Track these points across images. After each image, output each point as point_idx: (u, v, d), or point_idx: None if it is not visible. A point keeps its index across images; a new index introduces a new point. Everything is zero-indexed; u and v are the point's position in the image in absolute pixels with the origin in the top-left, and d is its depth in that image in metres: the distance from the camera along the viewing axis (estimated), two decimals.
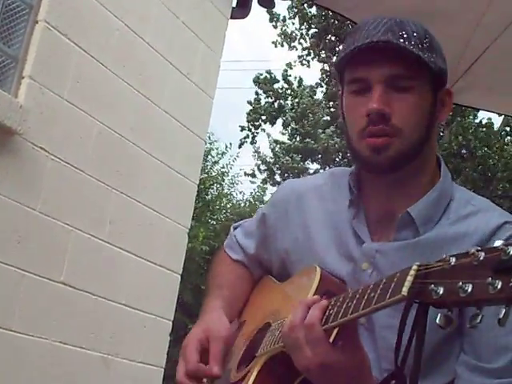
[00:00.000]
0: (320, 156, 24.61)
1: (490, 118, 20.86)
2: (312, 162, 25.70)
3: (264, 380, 1.72)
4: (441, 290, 1.23)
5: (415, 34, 1.74)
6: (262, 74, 26.26)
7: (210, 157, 25.25)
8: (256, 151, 26.46)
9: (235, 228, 2.26)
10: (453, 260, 1.24)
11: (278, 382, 1.72)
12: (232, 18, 6.02)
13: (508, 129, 21.50)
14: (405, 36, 1.72)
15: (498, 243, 1.17)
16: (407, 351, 1.35)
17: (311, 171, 25.30)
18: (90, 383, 4.71)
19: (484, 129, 20.80)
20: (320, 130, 24.16)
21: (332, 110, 24.44)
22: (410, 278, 1.31)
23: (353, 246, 1.82)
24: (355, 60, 1.76)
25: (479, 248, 1.20)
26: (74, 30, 4.43)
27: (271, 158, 26.05)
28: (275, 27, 25.16)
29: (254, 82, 26.26)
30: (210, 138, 25.24)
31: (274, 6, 6.50)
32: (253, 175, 27.00)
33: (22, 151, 4.14)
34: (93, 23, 4.60)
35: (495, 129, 21.27)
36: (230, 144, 25.47)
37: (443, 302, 1.24)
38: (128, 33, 4.87)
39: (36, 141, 4.21)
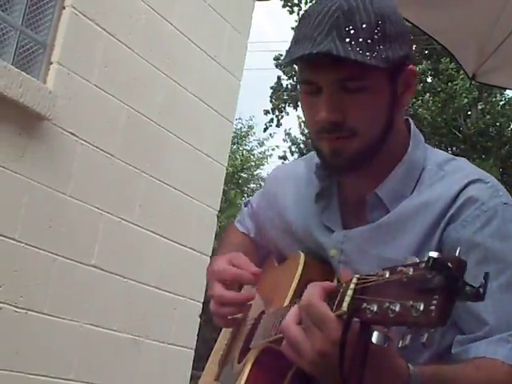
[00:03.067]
0: None
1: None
2: None
3: (257, 374, 1.73)
4: (374, 308, 1.18)
5: (364, 26, 1.59)
6: (281, 54, 26.12)
7: (245, 141, 25.38)
8: (287, 133, 26.41)
9: (245, 205, 2.26)
10: (386, 274, 1.18)
11: (272, 375, 1.72)
12: None
13: None
14: (351, 33, 1.58)
15: (432, 254, 1.10)
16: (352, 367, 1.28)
17: None
18: (120, 365, 4.76)
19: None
20: None
21: None
22: (349, 293, 1.26)
23: (323, 236, 1.82)
24: (302, 63, 1.69)
25: (411, 262, 1.14)
26: (101, 15, 4.44)
27: (301, 140, 25.98)
28: (291, 12, 24.88)
29: (275, 59, 26.09)
30: (251, 119, 25.33)
31: None
32: (284, 157, 27.01)
33: (51, 136, 4.17)
34: (119, 7, 4.61)
35: None
36: (265, 129, 25.58)
37: (376, 321, 1.19)
38: (154, 16, 4.88)
39: (65, 126, 4.24)
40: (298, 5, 24.51)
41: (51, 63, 4.20)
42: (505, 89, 14.21)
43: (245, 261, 1.91)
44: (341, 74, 1.61)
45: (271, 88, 26.33)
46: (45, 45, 4.21)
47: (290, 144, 26.36)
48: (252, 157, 25.77)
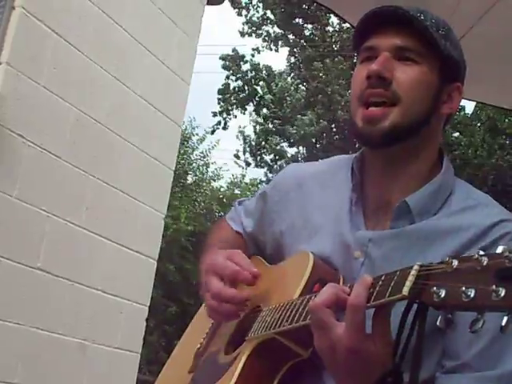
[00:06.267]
0: (299, 140, 24.55)
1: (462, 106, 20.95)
2: (292, 146, 25.72)
3: (253, 365, 1.74)
4: (443, 293, 1.23)
5: (433, 20, 1.74)
6: (228, 55, 26.22)
7: (190, 142, 25.39)
8: (240, 131, 26.48)
9: (239, 203, 2.27)
10: (455, 263, 1.23)
11: (267, 367, 1.74)
12: (208, 3, 6.03)
13: (479, 113, 21.57)
14: (421, 16, 1.73)
15: (500, 249, 1.17)
16: (405, 349, 1.35)
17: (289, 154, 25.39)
18: (66, 369, 4.72)
19: (456, 113, 20.87)
20: (299, 116, 24.04)
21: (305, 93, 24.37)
22: (411, 278, 1.31)
23: (348, 233, 1.81)
24: (368, 30, 1.78)
25: (482, 253, 1.19)
26: (51, 16, 4.41)
27: (253, 140, 26.09)
28: (239, 14, 25.10)
29: (221, 58, 26.17)
30: (191, 123, 25.39)
31: None
32: (237, 156, 27.07)
33: None
34: (69, 9, 4.59)
35: (467, 114, 21.37)
36: (212, 131, 25.63)
37: (444, 305, 1.24)
38: (104, 19, 4.85)
39: (13, 127, 4.20)
40: (247, 8, 24.73)
41: (0, 64, 4.15)
42: None
43: (245, 260, 1.91)
44: (403, 41, 1.73)
45: (219, 91, 26.39)
46: None
47: (242, 142, 26.42)
48: (193, 158, 25.79)
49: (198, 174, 25.83)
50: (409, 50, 1.73)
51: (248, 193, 26.05)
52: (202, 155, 26.03)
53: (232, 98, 26.32)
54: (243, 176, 28.23)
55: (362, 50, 1.80)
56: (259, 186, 26.84)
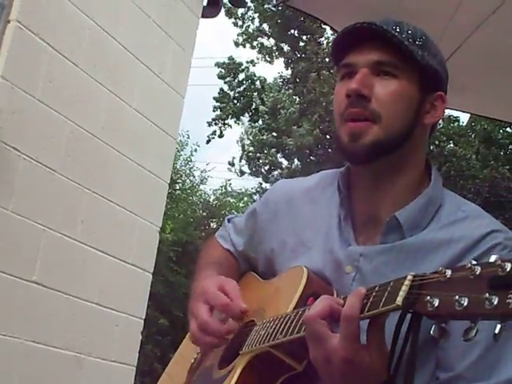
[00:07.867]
0: (296, 151, 24.49)
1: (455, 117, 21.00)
2: (287, 157, 25.69)
3: (247, 378, 1.73)
4: (436, 302, 1.23)
5: (409, 32, 1.76)
6: (224, 63, 26.16)
7: (182, 153, 25.36)
8: (240, 138, 26.47)
9: (229, 221, 2.26)
10: (448, 272, 1.24)
11: (262, 381, 1.73)
12: (203, 16, 6.04)
13: (473, 124, 21.59)
14: (397, 29, 1.75)
15: (493, 258, 1.18)
16: (399, 360, 1.35)
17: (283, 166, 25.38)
18: (62, 382, 4.71)
19: (451, 125, 20.89)
20: (294, 128, 23.98)
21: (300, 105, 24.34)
22: (404, 288, 1.32)
23: (338, 249, 1.81)
24: (346, 47, 1.80)
25: (475, 262, 1.20)
26: (46, 30, 4.42)
27: (251, 152, 26.06)
28: (235, 25, 25.07)
29: (217, 65, 26.12)
30: (188, 136, 25.32)
31: (245, 5, 6.52)
32: (232, 164, 27.02)
33: None
34: (64, 23, 4.59)
35: (462, 125, 21.40)
36: (208, 141, 25.56)
37: (438, 314, 1.24)
38: (99, 32, 4.87)
39: (8, 140, 4.20)
40: (242, 19, 24.68)
41: None
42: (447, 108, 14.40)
43: (235, 291, 1.89)
44: (380, 56, 1.74)
45: (214, 99, 26.37)
46: None
47: (240, 149, 26.41)
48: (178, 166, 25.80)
49: (184, 182, 25.79)
50: (386, 64, 1.74)
51: (240, 203, 26.02)
52: (185, 162, 26.03)
53: (228, 107, 26.32)
54: (230, 185, 28.21)
55: (341, 67, 1.82)
56: (253, 196, 26.85)
